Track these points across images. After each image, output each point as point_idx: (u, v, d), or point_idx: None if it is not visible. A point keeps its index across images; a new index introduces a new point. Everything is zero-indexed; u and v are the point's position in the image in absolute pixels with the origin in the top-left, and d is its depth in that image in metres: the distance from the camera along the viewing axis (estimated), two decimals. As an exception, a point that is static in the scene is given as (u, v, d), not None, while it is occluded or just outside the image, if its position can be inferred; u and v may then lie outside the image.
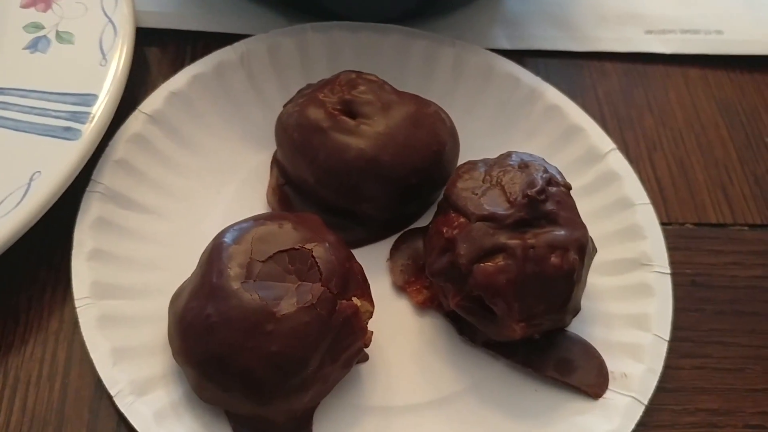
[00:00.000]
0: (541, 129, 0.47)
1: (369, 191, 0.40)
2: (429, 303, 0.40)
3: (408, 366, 0.39)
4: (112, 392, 0.35)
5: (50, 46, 0.43)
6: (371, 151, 0.39)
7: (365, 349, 0.37)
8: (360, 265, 0.37)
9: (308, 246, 0.35)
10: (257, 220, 0.36)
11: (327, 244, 0.35)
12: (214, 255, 0.35)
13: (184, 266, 0.38)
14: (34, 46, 0.43)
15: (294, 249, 0.34)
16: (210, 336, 0.33)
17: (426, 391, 0.38)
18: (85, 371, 0.38)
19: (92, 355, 0.36)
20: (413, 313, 0.41)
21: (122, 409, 0.35)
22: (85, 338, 0.36)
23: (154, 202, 0.42)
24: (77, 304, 0.37)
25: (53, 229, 0.41)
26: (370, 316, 0.36)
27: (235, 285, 0.33)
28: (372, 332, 0.36)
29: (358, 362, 0.37)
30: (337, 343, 0.34)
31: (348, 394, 0.38)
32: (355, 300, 0.35)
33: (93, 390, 0.37)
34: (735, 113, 0.52)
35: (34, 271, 0.41)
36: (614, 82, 0.53)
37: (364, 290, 0.36)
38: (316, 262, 0.34)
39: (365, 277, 0.37)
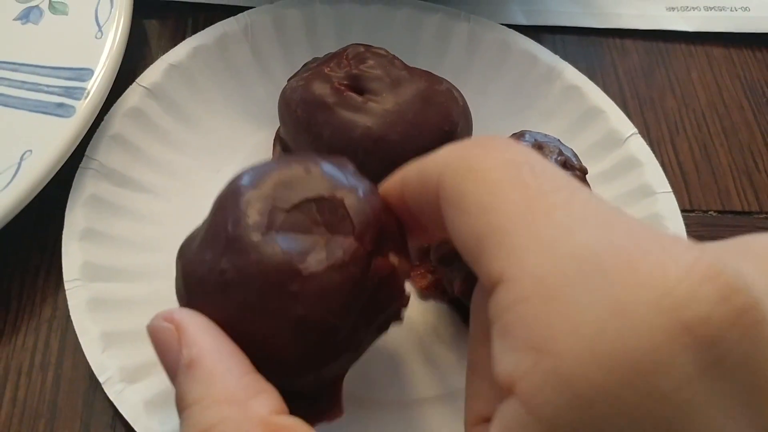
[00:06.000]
0: (559, 110, 0.44)
1: (376, 171, 0.38)
2: (433, 289, 0.38)
3: (410, 357, 0.37)
4: (101, 379, 0.33)
5: (43, 17, 0.41)
6: (379, 130, 0.37)
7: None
8: (396, 217, 0.31)
9: (339, 194, 0.29)
10: (280, 161, 0.31)
11: (360, 193, 0.30)
12: (230, 200, 0.29)
13: (180, 248, 0.36)
14: (25, 16, 0.41)
15: (323, 197, 0.29)
16: (225, 295, 0.27)
17: (431, 385, 0.36)
18: (79, 361, 0.36)
19: (81, 340, 0.34)
20: (416, 300, 0.39)
21: (111, 397, 0.33)
22: (74, 322, 0.34)
23: (151, 180, 0.40)
24: (67, 286, 0.35)
25: (46, 210, 0.39)
26: (408, 276, 0.31)
27: (255, 236, 0.27)
28: (410, 294, 0.31)
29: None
30: (371, 305, 0.29)
31: (344, 386, 0.36)
32: (392, 257, 0.30)
33: (88, 381, 0.36)
34: (761, 94, 0.50)
35: (26, 254, 0.39)
36: (635, 61, 0.51)
37: (401, 246, 0.31)
38: (348, 213, 0.29)
39: (403, 229, 0.31)
